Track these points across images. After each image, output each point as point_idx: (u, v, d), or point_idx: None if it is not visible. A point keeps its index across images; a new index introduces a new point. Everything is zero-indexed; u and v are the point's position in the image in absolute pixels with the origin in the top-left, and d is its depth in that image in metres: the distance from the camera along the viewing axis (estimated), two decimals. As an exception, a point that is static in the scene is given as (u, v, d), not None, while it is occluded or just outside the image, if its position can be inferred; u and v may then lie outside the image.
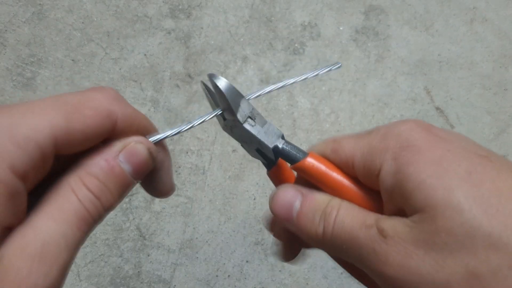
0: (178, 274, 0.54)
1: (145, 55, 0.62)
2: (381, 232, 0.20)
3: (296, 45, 0.64)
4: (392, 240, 0.20)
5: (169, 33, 0.63)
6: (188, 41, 0.63)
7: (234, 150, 0.59)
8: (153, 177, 0.23)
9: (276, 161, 0.26)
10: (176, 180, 0.57)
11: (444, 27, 0.65)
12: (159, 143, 0.23)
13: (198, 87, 0.61)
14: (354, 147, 0.23)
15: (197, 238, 0.55)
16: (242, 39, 0.64)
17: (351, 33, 0.64)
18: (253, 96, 0.26)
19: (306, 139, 0.59)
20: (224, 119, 0.25)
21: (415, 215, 0.19)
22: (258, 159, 0.26)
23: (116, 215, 0.56)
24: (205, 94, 0.26)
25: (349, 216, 0.22)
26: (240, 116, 0.25)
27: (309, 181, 0.24)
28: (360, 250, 0.21)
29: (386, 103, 0.62)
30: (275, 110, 0.61)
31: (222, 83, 0.24)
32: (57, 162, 0.20)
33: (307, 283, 0.55)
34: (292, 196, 0.24)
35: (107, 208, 0.20)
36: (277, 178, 0.27)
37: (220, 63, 0.63)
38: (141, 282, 0.54)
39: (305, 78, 0.27)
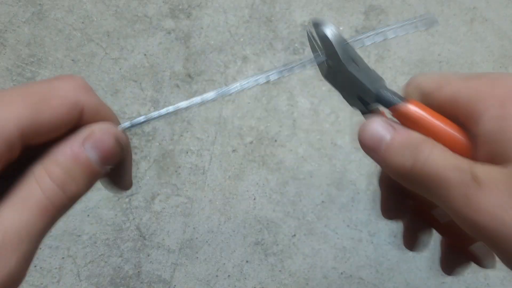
0: (178, 274, 0.54)
1: (145, 55, 0.62)
2: (476, 178, 0.20)
3: (296, 45, 0.64)
4: (488, 188, 0.19)
5: (169, 33, 0.63)
6: (188, 41, 0.63)
7: (234, 150, 0.59)
8: (115, 170, 0.22)
9: (376, 109, 0.25)
10: (176, 180, 0.57)
11: (444, 27, 0.65)
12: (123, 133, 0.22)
13: (198, 87, 0.61)
14: (462, 87, 0.22)
15: (197, 238, 0.55)
16: (242, 39, 0.64)
17: (351, 33, 0.64)
18: (356, 39, 0.26)
19: (306, 139, 0.59)
20: (328, 66, 0.26)
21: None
22: (358, 108, 0.26)
23: (116, 215, 0.56)
24: (308, 40, 0.27)
25: (442, 157, 0.21)
26: (344, 61, 0.25)
27: (409, 126, 0.24)
28: (449, 192, 0.20)
29: None
30: (275, 110, 0.61)
31: (329, 31, 0.24)
32: (26, 150, 0.19)
33: (307, 283, 0.55)
34: (383, 128, 0.23)
35: (71, 198, 0.20)
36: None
37: (220, 63, 0.63)
38: (141, 282, 0.54)
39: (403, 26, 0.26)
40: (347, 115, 0.61)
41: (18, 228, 0.18)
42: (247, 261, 0.55)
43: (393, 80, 0.63)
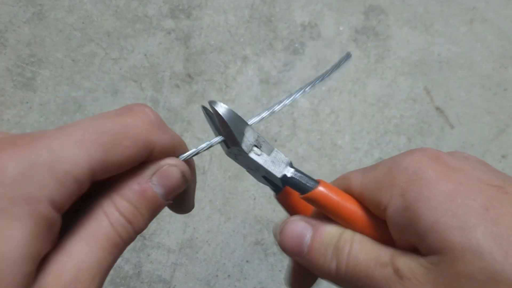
0: (178, 274, 0.54)
1: (145, 55, 0.62)
2: (397, 272, 0.19)
3: (296, 45, 0.64)
4: (409, 282, 0.19)
5: (169, 33, 0.63)
6: (188, 41, 0.63)
7: None
8: (178, 196, 0.23)
9: (283, 188, 0.25)
10: None
11: (444, 27, 0.65)
12: (188, 161, 0.22)
13: (198, 87, 0.61)
14: (362, 183, 0.22)
15: (197, 238, 0.55)
16: (242, 39, 0.64)
17: (351, 33, 0.64)
18: (257, 120, 0.24)
19: (306, 139, 0.59)
20: (228, 147, 0.24)
21: (431, 256, 0.18)
22: (266, 185, 0.25)
23: (116, 215, 0.56)
24: (207, 120, 0.25)
25: (363, 252, 0.21)
26: (245, 146, 0.23)
27: (320, 211, 0.23)
28: None
29: (386, 103, 0.62)
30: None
31: (222, 110, 0.22)
32: (93, 184, 0.20)
33: (307, 283, 0.55)
34: (302, 229, 0.23)
35: (138, 232, 0.20)
36: (286, 202, 0.26)
37: (220, 63, 0.63)
38: (141, 282, 0.54)
39: (316, 82, 0.26)
40: (347, 115, 0.61)
41: (91, 264, 0.18)
42: (247, 261, 0.55)
43: (393, 80, 0.63)
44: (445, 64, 0.64)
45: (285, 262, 0.55)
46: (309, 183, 0.23)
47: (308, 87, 0.25)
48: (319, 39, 0.64)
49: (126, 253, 0.55)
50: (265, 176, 0.25)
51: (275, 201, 0.62)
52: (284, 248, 0.23)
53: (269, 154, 0.24)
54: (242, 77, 0.62)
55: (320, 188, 0.23)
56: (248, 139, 0.23)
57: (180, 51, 0.62)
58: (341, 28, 0.65)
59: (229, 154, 0.25)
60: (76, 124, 0.19)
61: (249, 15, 0.65)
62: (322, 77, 0.26)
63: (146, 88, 0.61)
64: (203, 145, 0.22)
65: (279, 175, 0.23)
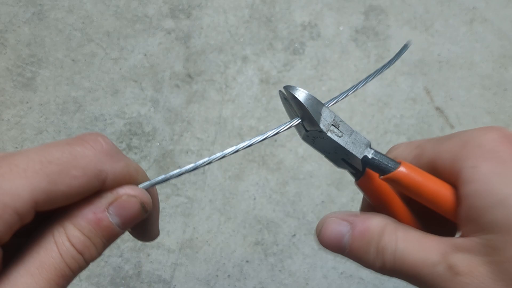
0: (178, 274, 0.54)
1: (145, 55, 0.62)
2: (451, 269, 0.19)
3: (296, 45, 0.64)
4: (468, 277, 0.18)
5: (169, 33, 0.63)
6: (188, 41, 0.63)
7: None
8: (140, 225, 0.22)
9: (364, 172, 0.24)
10: (176, 180, 0.57)
11: (444, 27, 0.65)
12: (150, 190, 0.21)
13: (198, 87, 0.61)
14: (436, 152, 0.22)
15: (197, 238, 0.55)
16: (242, 39, 0.64)
17: (351, 33, 0.64)
18: (332, 103, 0.24)
19: None
20: (306, 130, 0.24)
21: (490, 235, 0.18)
22: (345, 169, 0.25)
23: (116, 215, 0.56)
24: (283, 104, 0.25)
25: (409, 251, 0.20)
26: (323, 126, 0.23)
27: (402, 192, 0.23)
28: (427, 286, 0.19)
29: (386, 103, 0.62)
30: (275, 110, 0.61)
31: (300, 94, 0.22)
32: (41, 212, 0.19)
33: (307, 283, 0.55)
34: (340, 228, 0.23)
35: (89, 262, 0.19)
36: (367, 187, 0.25)
37: (220, 63, 0.63)
38: (141, 282, 0.54)
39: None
40: (347, 115, 0.61)
41: None
42: (247, 261, 0.55)
43: (393, 80, 0.63)
44: (445, 64, 0.64)
45: (285, 262, 0.56)
46: (390, 164, 0.23)
47: (379, 71, 0.26)
48: (319, 39, 0.64)
49: (126, 253, 0.55)
50: (344, 159, 0.24)
51: (275, 201, 0.62)
52: (325, 247, 0.24)
53: (349, 135, 0.23)
54: (242, 77, 0.62)
55: (402, 169, 0.22)
56: (325, 119, 0.23)
57: (180, 51, 0.63)
58: (341, 28, 0.65)
59: (306, 138, 0.24)
60: (21, 153, 0.18)
61: (249, 15, 0.65)
62: (389, 64, 0.26)
63: (146, 88, 0.61)
64: (175, 172, 0.21)
65: (360, 156, 0.23)
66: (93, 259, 0.20)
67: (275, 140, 0.60)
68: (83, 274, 0.54)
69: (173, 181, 0.57)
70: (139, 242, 0.55)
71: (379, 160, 0.23)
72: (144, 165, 0.58)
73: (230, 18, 0.65)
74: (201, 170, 0.58)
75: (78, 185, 0.19)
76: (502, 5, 0.67)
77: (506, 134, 0.20)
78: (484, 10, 0.67)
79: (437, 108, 0.62)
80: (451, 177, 0.21)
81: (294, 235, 0.57)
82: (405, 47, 0.27)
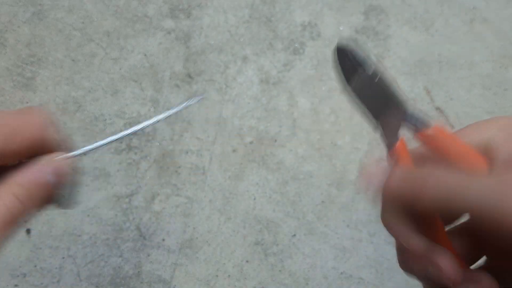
0: (178, 274, 0.54)
1: (145, 55, 0.62)
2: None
3: (296, 45, 0.64)
4: None
5: (169, 33, 0.64)
6: (188, 41, 0.63)
7: (234, 150, 0.59)
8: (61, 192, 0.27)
9: (398, 136, 0.25)
10: (176, 180, 0.57)
11: (444, 27, 0.66)
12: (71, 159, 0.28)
13: (198, 87, 0.62)
14: (456, 134, 0.24)
15: (197, 238, 0.55)
16: (242, 39, 0.64)
17: (351, 33, 0.65)
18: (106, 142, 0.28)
19: (306, 139, 0.60)
20: (354, 78, 0.25)
21: None
22: (380, 130, 0.25)
23: (116, 215, 0.57)
24: (335, 66, 0.26)
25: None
26: (381, 74, 0.24)
27: (435, 152, 0.24)
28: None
29: None
30: (275, 110, 0.61)
31: (341, 43, 0.24)
32: None
33: (307, 283, 0.55)
34: (383, 167, 0.24)
35: (28, 211, 0.24)
36: (400, 157, 0.26)
37: (220, 63, 0.63)
38: (141, 282, 0.54)
39: (167, 115, 0.27)
40: (347, 115, 0.61)
41: None
42: (247, 261, 0.56)
43: (393, 80, 0.63)
44: (445, 64, 0.64)
45: (285, 262, 0.56)
46: (427, 121, 0.24)
47: (161, 117, 0.28)
48: (319, 39, 0.64)
49: (126, 253, 0.55)
50: (382, 119, 0.25)
51: (275, 201, 0.63)
52: (368, 183, 0.24)
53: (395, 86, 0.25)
54: (242, 77, 0.63)
55: (438, 126, 0.23)
56: (373, 62, 0.25)
57: (180, 51, 0.63)
58: (341, 28, 0.65)
59: (354, 89, 0.26)
60: None
61: (249, 15, 0.65)
62: (177, 109, 0.29)
63: (146, 88, 0.61)
64: (105, 141, 0.27)
65: (407, 107, 0.24)
66: (31, 208, 0.24)
67: (275, 140, 0.60)
68: (83, 274, 0.54)
69: (173, 181, 0.58)
70: (139, 242, 0.56)
71: (419, 113, 0.24)
72: (144, 165, 0.58)
73: (230, 18, 0.65)
74: (201, 170, 0.58)
75: (23, 146, 0.24)
76: (502, 5, 0.67)
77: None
78: (484, 10, 0.67)
79: (437, 108, 0.62)
80: (480, 142, 0.23)
81: (294, 235, 0.57)
82: (197, 100, 0.29)
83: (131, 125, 0.59)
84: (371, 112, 0.26)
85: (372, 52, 0.25)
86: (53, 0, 0.64)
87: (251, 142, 0.60)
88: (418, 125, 0.24)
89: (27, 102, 0.60)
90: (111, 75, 0.61)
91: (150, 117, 0.62)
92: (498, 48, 0.65)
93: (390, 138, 0.25)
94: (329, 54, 0.64)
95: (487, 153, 0.23)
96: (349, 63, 0.25)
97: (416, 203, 0.22)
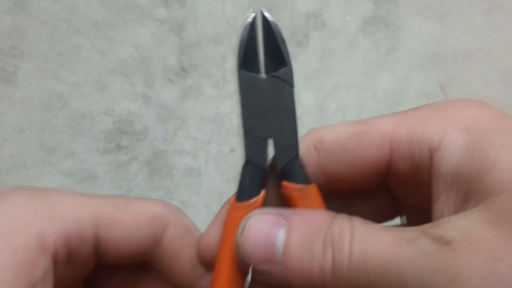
0: (171, 285, 0.52)
1: (136, 47, 0.61)
2: (440, 239, 0.14)
3: (299, 36, 0.62)
4: (465, 244, 0.14)
5: (162, 23, 0.62)
6: (182, 32, 0.62)
7: (232, 150, 0.57)
8: None
9: (261, 187, 0.19)
10: (169, 183, 0.56)
11: (459, 17, 0.64)
12: None
13: (193, 82, 0.60)
14: (396, 124, 0.19)
15: (192, 245, 0.54)
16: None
17: (359, 24, 0.63)
18: None
19: None
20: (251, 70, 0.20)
21: (492, 199, 0.14)
22: (254, 155, 0.20)
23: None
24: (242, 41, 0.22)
25: (372, 234, 0.15)
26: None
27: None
28: (404, 276, 0.14)
29: (397, 99, 0.61)
30: (277, 106, 0.59)
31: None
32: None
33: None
34: (272, 225, 0.17)
35: None
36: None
37: (217, 56, 0.61)
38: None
39: None
40: (355, 113, 0.59)
41: None
42: (246, 271, 0.53)
43: (405, 75, 0.62)
44: (461, 57, 0.62)
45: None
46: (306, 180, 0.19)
47: None
48: (324, 30, 0.63)
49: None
50: (263, 145, 0.20)
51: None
52: (248, 256, 0.17)
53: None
54: (241, 71, 0.60)
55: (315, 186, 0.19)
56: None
57: (173, 42, 0.61)
58: (348, 18, 0.63)
59: (248, 84, 0.22)
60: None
61: (248, 4, 0.63)
62: None
63: (137, 83, 0.59)
64: None
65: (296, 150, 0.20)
66: None
67: (277, 140, 0.57)
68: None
69: (165, 184, 0.56)
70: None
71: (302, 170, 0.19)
72: (134, 167, 0.56)
73: (228, 7, 0.63)
74: (196, 172, 0.57)
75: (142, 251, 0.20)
76: (522, -7, 0.65)
77: (490, 107, 0.18)
78: (503, -2, 0.65)
79: None
80: (425, 146, 0.18)
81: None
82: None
83: (120, 123, 0.57)
84: (243, 127, 0.20)
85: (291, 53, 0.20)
86: (37, -12, 0.62)
87: (250, 142, 0.57)
88: (292, 177, 0.19)
89: (8, 99, 0.58)
90: (99, 69, 0.60)
91: (141, 115, 0.59)
92: (518, 40, 0.64)
93: (248, 183, 0.20)
94: (335, 46, 0.63)
95: (435, 164, 0.17)
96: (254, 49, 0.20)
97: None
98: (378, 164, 0.19)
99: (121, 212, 0.18)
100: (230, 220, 0.19)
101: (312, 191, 0.19)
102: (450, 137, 0.17)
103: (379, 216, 0.23)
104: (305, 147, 0.21)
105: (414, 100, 0.60)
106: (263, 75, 0.20)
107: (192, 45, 0.61)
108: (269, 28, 0.19)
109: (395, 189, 0.21)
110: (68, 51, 0.60)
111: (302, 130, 0.55)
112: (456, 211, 0.16)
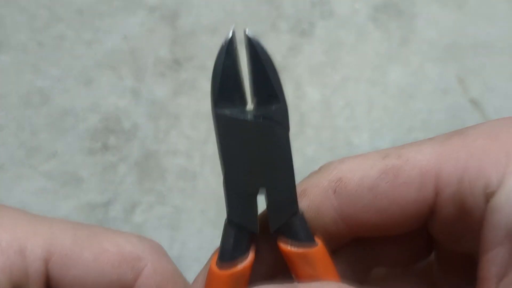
0: (163, 299, 0.50)
1: (124, 37, 0.59)
2: None
3: (304, 25, 0.61)
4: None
5: (153, 11, 0.60)
6: (175, 20, 0.60)
7: None
8: None
9: (249, 248, 0.17)
10: (161, 186, 0.54)
11: (479, 4, 0.62)
12: None
13: (188, 75, 0.59)
14: (439, 157, 0.16)
15: (186, 255, 0.53)
16: (239, 18, 0.61)
17: (369, 12, 0.61)
18: None
19: (316, 137, 0.57)
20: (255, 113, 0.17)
21: None
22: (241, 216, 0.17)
23: (89, 228, 0.52)
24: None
25: None
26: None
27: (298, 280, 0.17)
28: None
29: (411, 94, 0.59)
30: (279, 103, 0.56)
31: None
32: None
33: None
34: None
35: None
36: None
37: (214, 47, 0.58)
38: (119, 309, 0.49)
39: None
40: (364, 109, 0.58)
41: None
42: (245, 284, 0.50)
43: (420, 67, 0.60)
44: (481, 48, 0.61)
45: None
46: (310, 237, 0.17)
47: None
48: (331, 18, 0.61)
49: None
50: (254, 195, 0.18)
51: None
52: None
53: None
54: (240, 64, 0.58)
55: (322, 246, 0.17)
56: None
57: (166, 32, 0.60)
58: (357, 6, 0.61)
59: (229, 126, 0.19)
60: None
61: None
62: None
63: (125, 77, 0.58)
64: None
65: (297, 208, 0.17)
66: None
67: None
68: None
69: (157, 187, 0.55)
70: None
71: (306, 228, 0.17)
72: (123, 168, 0.55)
73: None
74: (191, 175, 0.55)
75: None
76: (548, -22, 0.64)
77: None
78: (526, -16, 0.65)
79: (472, 101, 0.59)
80: (480, 190, 0.15)
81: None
82: None
83: (107, 120, 0.56)
84: (225, 181, 0.17)
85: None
86: (15, -28, 0.62)
87: (250, 141, 0.55)
88: (291, 234, 0.16)
89: (-16, 94, 0.56)
90: (83, 61, 0.58)
91: (130, 111, 0.57)
92: (544, 29, 0.63)
93: (232, 245, 0.17)
94: (343, 36, 0.61)
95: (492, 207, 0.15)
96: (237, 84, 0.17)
97: None
98: (419, 209, 0.17)
99: (81, 247, 0.17)
100: None
101: (317, 254, 0.17)
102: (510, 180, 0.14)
103: (412, 259, 0.21)
104: (321, 192, 0.17)
105: (429, 95, 0.59)
106: (249, 114, 0.16)
107: (186, 35, 0.60)
108: (254, 53, 0.15)
109: (434, 232, 0.18)
110: (50, 41, 0.59)
111: (308, 128, 0.50)
112: (506, 272, 0.14)
